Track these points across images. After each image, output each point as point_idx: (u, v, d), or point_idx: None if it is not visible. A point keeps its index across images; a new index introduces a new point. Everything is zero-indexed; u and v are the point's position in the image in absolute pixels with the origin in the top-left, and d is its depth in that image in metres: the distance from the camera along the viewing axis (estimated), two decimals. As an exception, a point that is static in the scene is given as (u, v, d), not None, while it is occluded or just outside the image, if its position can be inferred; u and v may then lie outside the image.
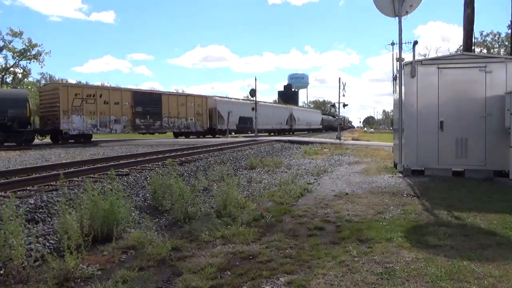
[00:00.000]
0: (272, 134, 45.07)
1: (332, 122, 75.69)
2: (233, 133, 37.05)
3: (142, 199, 6.20)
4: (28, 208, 4.94)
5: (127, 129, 26.04)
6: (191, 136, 30.32)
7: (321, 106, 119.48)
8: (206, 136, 32.06)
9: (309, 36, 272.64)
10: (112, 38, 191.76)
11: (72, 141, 22.59)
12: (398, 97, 9.27)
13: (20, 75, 49.30)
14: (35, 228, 4.40)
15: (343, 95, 50.75)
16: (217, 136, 33.49)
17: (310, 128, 60.49)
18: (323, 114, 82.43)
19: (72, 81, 51.52)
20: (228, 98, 41.61)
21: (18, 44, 48.50)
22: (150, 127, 27.69)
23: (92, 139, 24.21)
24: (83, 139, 22.95)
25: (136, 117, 26.40)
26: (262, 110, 41.41)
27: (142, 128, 27.07)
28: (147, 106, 27.13)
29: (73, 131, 22.56)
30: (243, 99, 46.14)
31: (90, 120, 23.59)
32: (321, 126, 66.70)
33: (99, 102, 24.20)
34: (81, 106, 23.13)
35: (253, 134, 35.51)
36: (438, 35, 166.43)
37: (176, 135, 30.87)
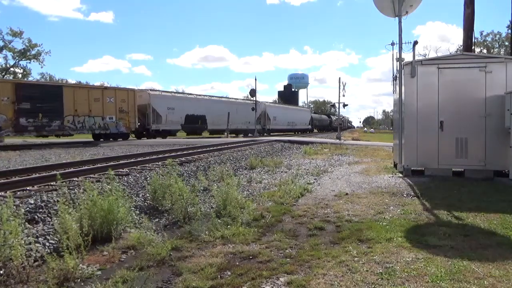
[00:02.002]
0: (234, 135, 38.60)
1: (325, 121, 70.84)
2: (176, 134, 32.03)
3: (142, 199, 6.20)
4: (28, 208, 4.94)
5: (6, 131, 20.38)
6: (111, 139, 24.64)
7: (321, 106, 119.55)
8: (130, 139, 26.47)
9: (308, 36, 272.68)
10: (111, 38, 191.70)
11: None
12: (398, 97, 9.26)
13: (20, 75, 49.29)
14: (35, 228, 4.40)
15: (343, 95, 48.41)
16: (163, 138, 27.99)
17: (294, 129, 53.91)
18: (315, 112, 76.97)
19: (71, 81, 50.84)
20: (168, 92, 34.30)
21: (18, 44, 48.50)
22: (43, 128, 21.77)
23: None
24: None
25: (21, 116, 20.66)
26: (221, 107, 36.03)
27: (31, 129, 21.29)
28: (40, 102, 21.31)
29: None
30: (190, 94, 38.07)
31: None
32: (310, 126, 60.54)
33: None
34: None
35: (205, 136, 32.15)
36: (437, 35, 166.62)
37: (97, 137, 24.95)
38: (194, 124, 33.08)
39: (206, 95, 39.18)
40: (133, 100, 26.33)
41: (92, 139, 24.92)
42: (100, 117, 24.30)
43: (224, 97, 42.50)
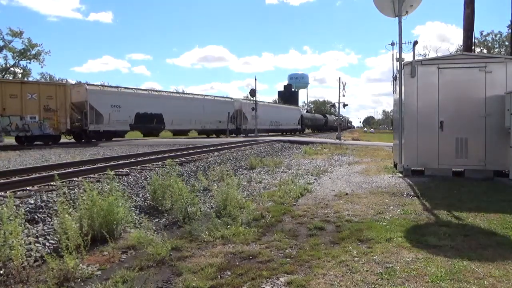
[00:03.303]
0: (205, 136, 35.44)
1: (319, 121, 65.66)
2: (125, 136, 27.90)
3: (142, 199, 6.20)
4: (28, 208, 4.93)
5: None
6: (39, 142, 21.18)
7: (321, 106, 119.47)
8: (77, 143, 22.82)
9: (308, 36, 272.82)
10: (110, 38, 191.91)
11: None
12: (398, 97, 9.27)
13: (20, 75, 49.28)
14: (35, 228, 4.40)
15: (343, 95, 45.60)
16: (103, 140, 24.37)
17: (279, 129, 48.72)
18: (307, 111, 72.00)
19: (71, 81, 50.33)
20: (113, 87, 29.75)
21: (18, 44, 48.45)
22: None
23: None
24: None
25: None
26: (182, 104, 31.74)
27: None
28: None
29: None
30: (142, 89, 32.82)
31: None
32: (299, 126, 55.18)
33: None
34: None
35: (165, 137, 29.26)
36: (436, 35, 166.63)
37: (21, 140, 21.16)
38: (148, 123, 28.51)
39: (163, 91, 34.54)
40: (63, 96, 22.19)
41: (16, 143, 21.33)
42: (18, 116, 20.34)
43: (189, 94, 37.08)
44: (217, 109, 36.20)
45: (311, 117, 63.40)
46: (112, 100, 25.75)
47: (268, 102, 56.23)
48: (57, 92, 22.08)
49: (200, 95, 38.65)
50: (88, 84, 25.77)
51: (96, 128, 24.57)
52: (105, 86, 30.48)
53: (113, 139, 25.27)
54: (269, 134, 42.73)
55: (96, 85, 28.13)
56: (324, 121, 68.60)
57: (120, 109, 26.01)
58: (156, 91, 34.00)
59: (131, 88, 30.39)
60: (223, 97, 41.55)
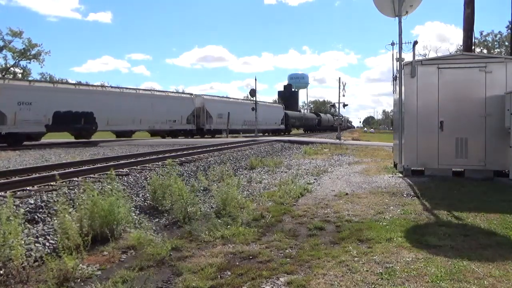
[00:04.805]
0: (161, 137, 30.21)
1: (310, 121, 59.85)
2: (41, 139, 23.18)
3: (142, 199, 6.20)
4: (28, 208, 4.93)
5: None
6: None
7: (321, 106, 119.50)
8: None
9: (307, 36, 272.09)
10: (110, 38, 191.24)
11: None
12: (398, 97, 9.27)
13: (20, 75, 49.31)
14: (35, 228, 4.40)
15: (343, 95, 45.50)
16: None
17: (254, 129, 40.22)
18: (298, 111, 65.73)
19: (71, 81, 49.77)
20: (22, 80, 25.29)
21: (18, 44, 48.49)
22: None
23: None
24: None
25: None
26: (120, 101, 26.76)
27: None
28: None
29: None
30: (65, 83, 27.91)
31: None
32: (282, 126, 48.90)
33: None
34: None
35: (96, 138, 25.35)
36: (436, 35, 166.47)
37: None
38: (73, 124, 23.90)
39: (95, 85, 29.48)
40: None
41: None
42: None
43: (133, 89, 31.37)
44: (171, 106, 30.78)
45: (299, 116, 56.83)
46: (20, 97, 21.51)
47: (242, 99, 48.05)
48: None
49: (149, 90, 33.57)
50: None
51: None
52: (11, 79, 26.06)
53: (25, 143, 21.44)
54: (245, 135, 37.06)
55: None
56: (317, 120, 63.15)
57: (30, 107, 21.75)
58: (85, 85, 29.30)
59: (49, 82, 26.12)
60: (179, 92, 35.80)
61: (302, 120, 57.24)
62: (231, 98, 40.83)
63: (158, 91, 34.71)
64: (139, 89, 32.15)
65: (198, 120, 33.91)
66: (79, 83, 30.11)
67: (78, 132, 25.01)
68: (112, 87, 32.02)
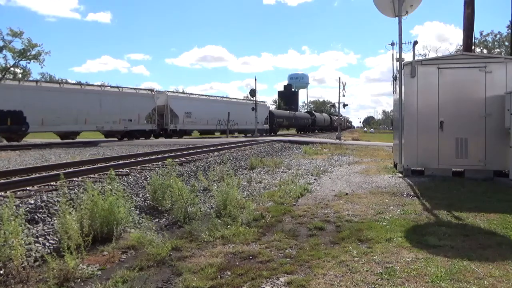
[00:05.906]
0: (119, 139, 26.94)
1: (303, 121, 55.80)
2: None
3: (142, 199, 6.20)
4: (28, 208, 4.93)
5: None
6: None
7: (321, 106, 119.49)
8: None
9: (306, 36, 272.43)
10: (109, 39, 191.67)
11: None
12: (398, 97, 9.27)
13: (20, 75, 49.26)
14: (35, 228, 4.40)
15: (343, 95, 43.95)
16: None
17: (234, 129, 38.44)
18: (289, 109, 60.98)
19: (71, 81, 49.04)
20: None
21: (18, 44, 48.38)
22: None
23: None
24: None
25: None
26: (66, 98, 23.91)
27: None
28: None
29: None
30: None
31: None
32: (266, 126, 44.42)
33: None
34: None
35: (26, 140, 22.88)
36: (435, 35, 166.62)
37: None
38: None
39: (25, 80, 26.06)
40: None
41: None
42: None
43: (76, 84, 28.11)
44: (125, 104, 27.29)
45: (288, 116, 52.08)
46: None
47: (216, 97, 42.46)
48: None
49: (97, 85, 30.63)
50: None
51: None
52: None
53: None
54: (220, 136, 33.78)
55: None
56: (311, 120, 58.97)
57: None
58: (11, 79, 26.24)
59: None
60: (137, 88, 31.42)
61: (291, 119, 52.48)
62: (202, 95, 37.25)
63: (111, 86, 31.56)
64: (85, 84, 29.08)
65: (162, 119, 30.85)
66: (6, 78, 26.52)
67: (4, 134, 22.42)
68: (47, 81, 28.53)
